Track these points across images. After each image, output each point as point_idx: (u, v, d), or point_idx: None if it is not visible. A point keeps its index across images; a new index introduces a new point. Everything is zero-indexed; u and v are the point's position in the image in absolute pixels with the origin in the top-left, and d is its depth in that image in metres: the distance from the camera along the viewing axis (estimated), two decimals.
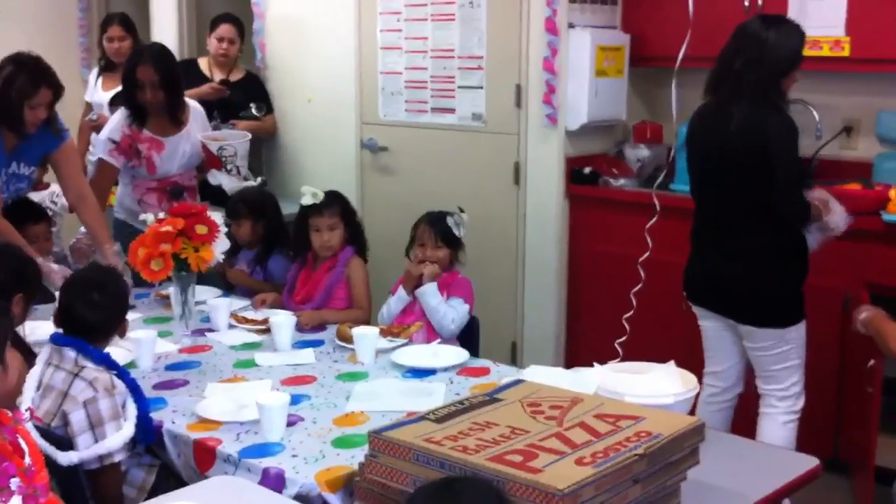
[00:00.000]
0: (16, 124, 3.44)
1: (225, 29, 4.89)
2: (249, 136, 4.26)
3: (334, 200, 3.53)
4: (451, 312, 3.22)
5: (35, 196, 5.01)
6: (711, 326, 3.20)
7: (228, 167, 4.05)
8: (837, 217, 3.04)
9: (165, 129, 3.92)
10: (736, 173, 2.98)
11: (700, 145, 3.12)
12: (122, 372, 2.46)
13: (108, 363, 2.45)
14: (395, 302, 3.36)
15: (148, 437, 2.43)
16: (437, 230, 3.34)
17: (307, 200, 3.48)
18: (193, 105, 4.09)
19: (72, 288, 2.55)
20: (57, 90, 3.47)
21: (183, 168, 4.02)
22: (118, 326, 2.56)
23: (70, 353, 2.41)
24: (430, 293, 3.25)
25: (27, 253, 2.98)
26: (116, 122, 3.93)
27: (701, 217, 3.17)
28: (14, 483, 1.72)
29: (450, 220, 3.34)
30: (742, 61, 2.95)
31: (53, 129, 3.60)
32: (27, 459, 1.88)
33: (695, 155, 3.15)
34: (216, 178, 4.05)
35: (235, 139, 4.13)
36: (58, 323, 2.51)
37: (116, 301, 2.56)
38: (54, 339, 2.46)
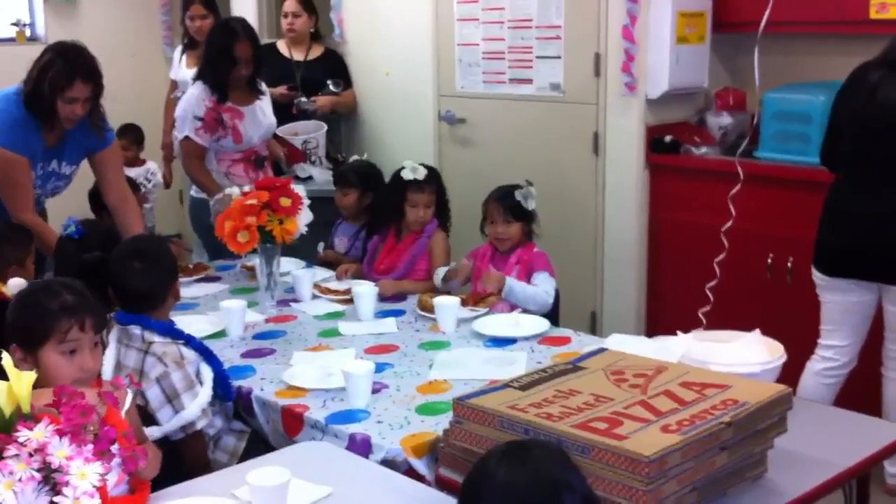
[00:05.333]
0: (48, 118, 3.19)
1: (288, 4, 4.93)
2: (325, 127, 4.30)
3: (433, 178, 3.56)
4: (541, 291, 3.20)
5: (131, 172, 5.20)
6: (850, 301, 3.07)
7: (312, 159, 4.12)
8: None
9: (243, 99, 4.00)
10: None
11: (866, 111, 2.96)
12: (189, 339, 2.51)
13: (173, 333, 2.49)
14: (446, 273, 3.35)
15: (228, 393, 2.50)
16: (505, 206, 3.32)
17: (408, 175, 3.50)
18: (266, 91, 4.18)
19: (115, 262, 2.56)
20: (96, 85, 3.23)
21: (262, 138, 4.09)
22: (170, 289, 2.58)
23: (136, 331, 2.47)
24: (512, 293, 3.17)
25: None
26: (196, 97, 3.95)
27: (850, 182, 3.03)
28: (115, 447, 1.79)
29: (518, 195, 3.31)
30: None
31: (95, 129, 3.36)
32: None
33: (854, 119, 3.00)
34: (305, 170, 4.11)
35: (312, 131, 4.18)
36: (115, 301, 2.54)
37: (160, 264, 2.56)
38: (118, 319, 2.50)
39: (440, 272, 3.36)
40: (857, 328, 3.11)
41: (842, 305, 3.10)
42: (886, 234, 2.94)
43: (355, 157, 4.18)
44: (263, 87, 4.14)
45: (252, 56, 3.92)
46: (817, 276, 3.12)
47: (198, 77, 4.04)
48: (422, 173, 3.50)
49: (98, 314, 2.05)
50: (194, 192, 4.17)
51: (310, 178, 4.45)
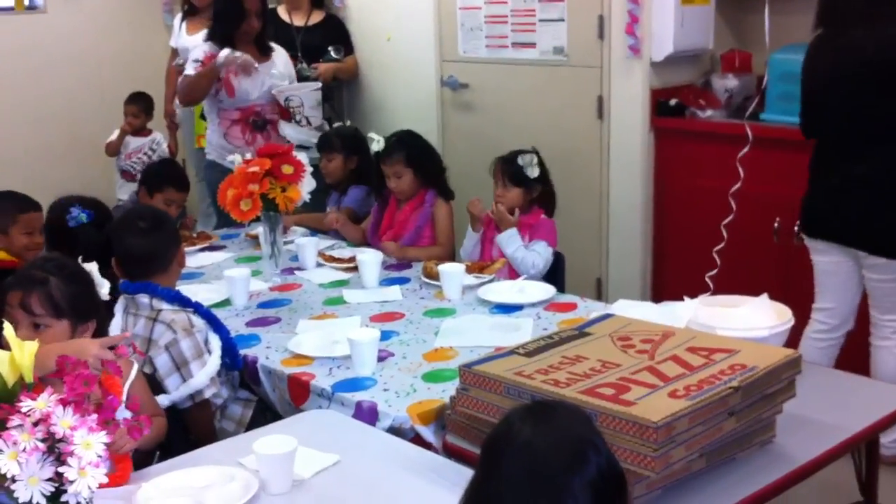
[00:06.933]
0: None
1: None
2: (319, 85, 4.31)
3: (397, 147, 3.52)
4: (530, 258, 3.19)
5: (135, 142, 5.19)
6: (829, 261, 3.09)
7: (297, 118, 4.11)
8: None
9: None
10: (874, 96, 2.87)
11: (825, 74, 2.99)
12: (197, 307, 2.50)
13: (182, 300, 2.48)
14: (467, 240, 3.38)
15: (236, 362, 2.50)
16: (505, 170, 3.31)
17: (374, 147, 3.52)
18: (277, 47, 4.23)
19: (116, 227, 2.57)
20: None
21: (264, 98, 4.10)
22: (175, 253, 2.57)
23: (143, 300, 2.45)
24: (504, 241, 3.22)
25: None
26: (202, 47, 4.08)
27: (825, 146, 3.06)
28: (119, 415, 1.78)
29: (520, 160, 3.29)
30: None
31: None
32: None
33: (818, 84, 3.03)
34: (283, 129, 4.11)
35: (303, 90, 4.18)
36: (119, 271, 2.52)
37: (163, 225, 2.56)
38: (124, 288, 2.48)
39: (463, 251, 3.41)
40: (841, 290, 3.11)
41: (823, 266, 3.12)
42: (859, 199, 2.95)
43: (339, 124, 4.18)
44: (275, 46, 4.20)
45: (260, 9, 4.01)
46: (804, 237, 3.15)
47: (208, 38, 4.11)
48: (382, 144, 3.49)
49: (42, 295, 2.02)
50: (209, 154, 4.22)
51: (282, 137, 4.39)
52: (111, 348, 1.95)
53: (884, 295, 3.03)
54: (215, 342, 2.46)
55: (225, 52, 3.92)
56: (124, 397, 1.86)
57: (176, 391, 2.37)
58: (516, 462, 1.30)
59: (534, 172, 3.29)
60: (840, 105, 2.97)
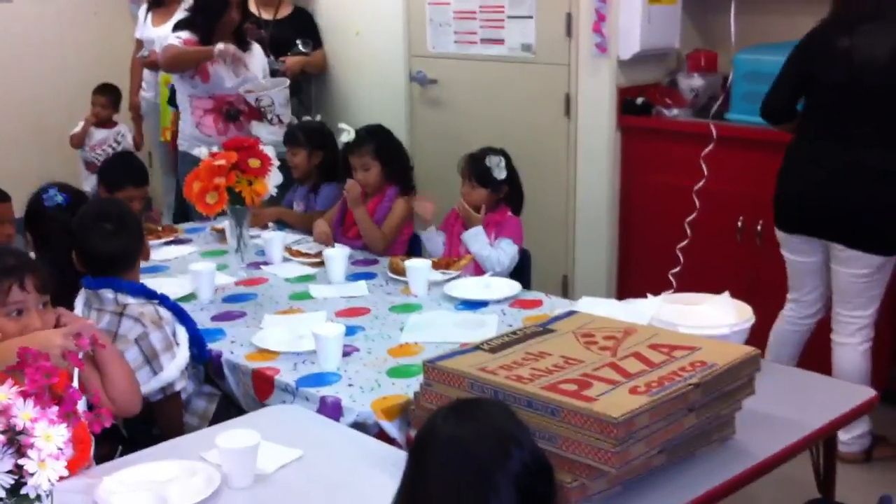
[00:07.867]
0: None
1: None
2: (287, 82, 4.31)
3: (367, 139, 3.52)
4: (496, 255, 3.20)
5: (99, 133, 5.13)
6: (800, 261, 3.14)
7: (269, 117, 4.11)
8: None
9: None
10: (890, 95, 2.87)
11: (842, 68, 2.92)
12: (163, 299, 2.47)
13: (147, 293, 2.45)
14: (424, 240, 3.39)
15: (203, 353, 2.49)
16: (472, 170, 3.31)
17: (343, 138, 3.52)
18: (255, 45, 4.31)
19: (81, 226, 2.50)
20: None
21: (237, 87, 4.12)
22: (140, 250, 2.54)
23: (108, 294, 2.41)
24: (471, 239, 3.23)
25: None
26: (179, 33, 4.10)
27: (817, 138, 3.02)
28: (80, 407, 1.77)
29: (488, 161, 3.29)
30: None
31: None
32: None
33: (827, 77, 2.97)
34: (256, 129, 4.11)
35: (272, 89, 4.18)
36: (81, 266, 2.48)
37: (128, 225, 2.51)
38: (87, 284, 2.44)
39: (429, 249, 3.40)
40: (816, 284, 3.18)
41: (796, 265, 3.18)
42: (847, 186, 2.95)
43: (307, 118, 4.18)
44: (255, 46, 4.23)
45: (240, 2, 4.09)
46: (777, 232, 3.19)
47: (186, 26, 4.11)
48: (352, 135, 3.49)
49: (39, 274, 2.05)
50: (181, 144, 4.21)
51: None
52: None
53: (857, 292, 3.04)
54: (182, 334, 2.45)
55: (221, 45, 3.95)
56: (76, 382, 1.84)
57: (147, 384, 2.35)
58: (441, 458, 1.32)
59: (501, 174, 3.30)
60: (852, 103, 2.92)
